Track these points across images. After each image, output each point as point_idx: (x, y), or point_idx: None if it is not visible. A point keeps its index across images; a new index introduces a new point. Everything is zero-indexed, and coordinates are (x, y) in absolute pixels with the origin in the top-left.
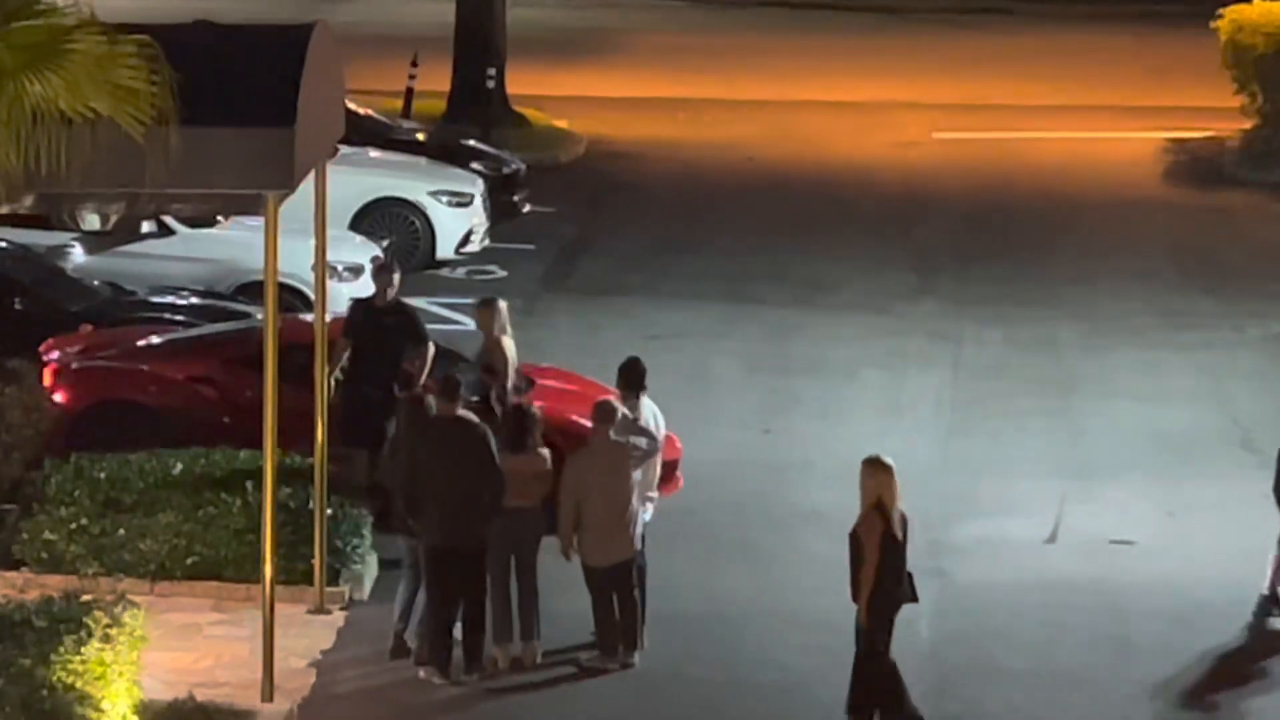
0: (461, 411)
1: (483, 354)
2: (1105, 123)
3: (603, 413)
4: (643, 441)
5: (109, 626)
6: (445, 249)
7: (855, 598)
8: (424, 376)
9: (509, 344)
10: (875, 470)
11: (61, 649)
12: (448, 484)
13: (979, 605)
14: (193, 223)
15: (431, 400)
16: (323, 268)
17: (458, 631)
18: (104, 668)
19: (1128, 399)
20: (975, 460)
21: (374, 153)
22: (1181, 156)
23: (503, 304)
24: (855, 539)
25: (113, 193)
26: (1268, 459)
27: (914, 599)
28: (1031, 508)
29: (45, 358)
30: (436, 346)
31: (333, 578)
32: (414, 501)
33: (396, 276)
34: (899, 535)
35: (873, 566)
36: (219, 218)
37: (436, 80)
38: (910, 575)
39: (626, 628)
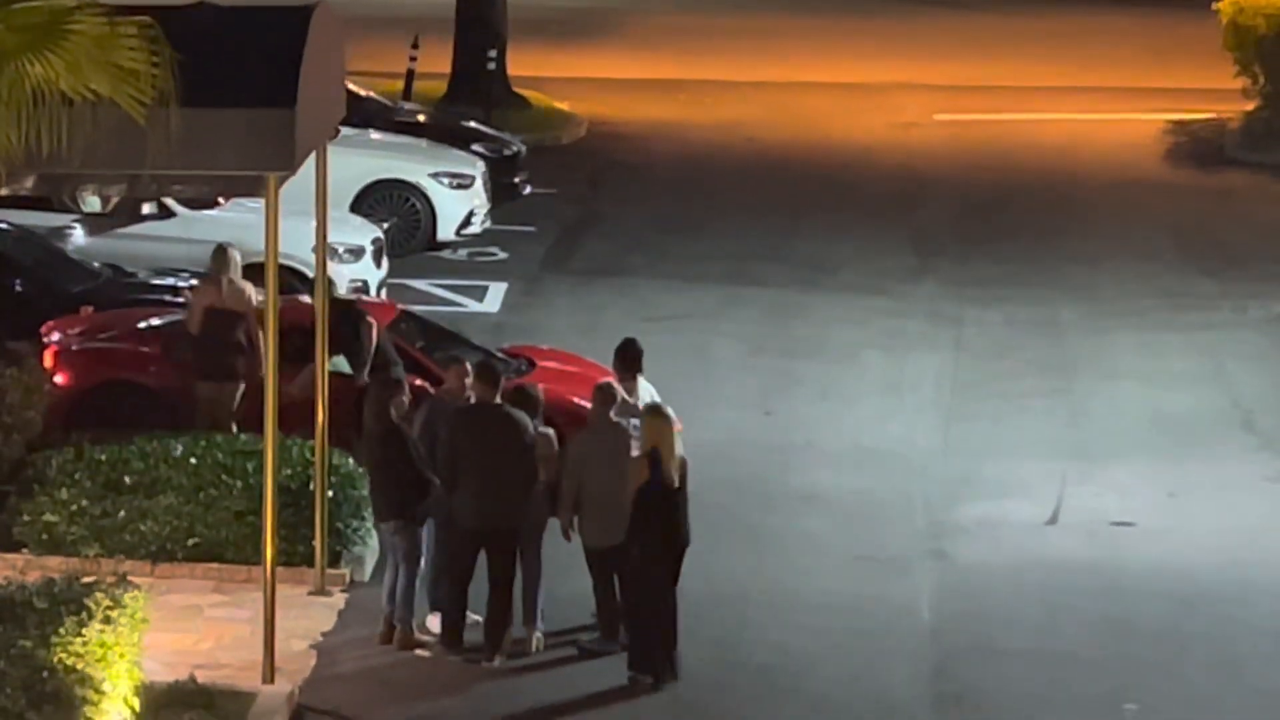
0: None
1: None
2: (1106, 104)
3: (603, 394)
4: (639, 423)
5: (110, 608)
6: (446, 231)
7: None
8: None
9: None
10: (654, 420)
11: (62, 631)
12: (485, 470)
13: (979, 587)
14: (193, 204)
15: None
16: (323, 249)
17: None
18: (105, 649)
19: (1129, 380)
20: (976, 442)
21: (375, 134)
22: (1183, 138)
23: (235, 252)
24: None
25: (113, 174)
26: (1269, 440)
27: (686, 542)
28: (1032, 489)
29: (46, 339)
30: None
31: (333, 560)
32: (451, 486)
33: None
34: (674, 482)
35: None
36: (219, 199)
37: (437, 62)
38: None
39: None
